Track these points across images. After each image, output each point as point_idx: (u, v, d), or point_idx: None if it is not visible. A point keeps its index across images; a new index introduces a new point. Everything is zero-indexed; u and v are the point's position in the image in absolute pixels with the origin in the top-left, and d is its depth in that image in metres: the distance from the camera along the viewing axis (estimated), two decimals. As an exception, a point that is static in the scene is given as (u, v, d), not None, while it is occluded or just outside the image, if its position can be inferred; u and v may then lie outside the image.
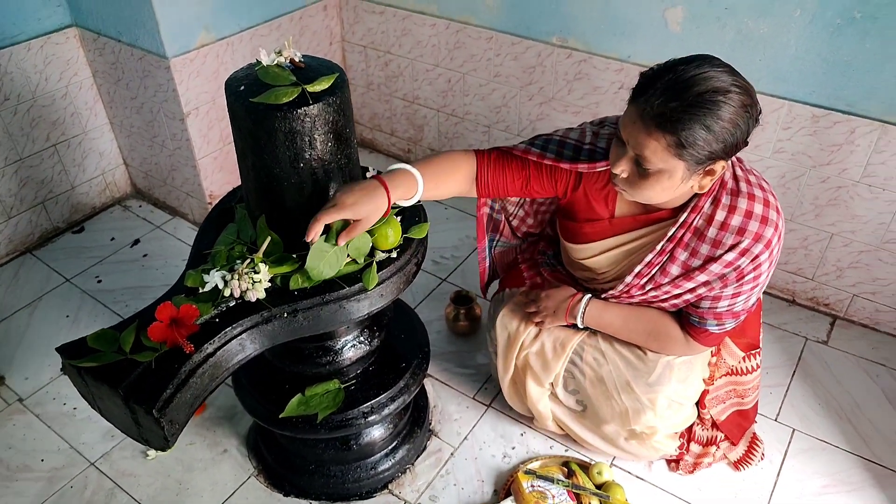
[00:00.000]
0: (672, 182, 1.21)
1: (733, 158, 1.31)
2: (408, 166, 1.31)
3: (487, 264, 1.78)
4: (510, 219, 1.73)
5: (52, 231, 2.62)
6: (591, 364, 1.61)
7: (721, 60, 1.16)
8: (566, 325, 1.63)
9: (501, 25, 2.35)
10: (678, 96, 1.11)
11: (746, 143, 1.19)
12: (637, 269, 1.42)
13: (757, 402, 1.73)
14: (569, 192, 1.45)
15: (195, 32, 2.19)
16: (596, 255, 1.50)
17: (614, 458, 1.77)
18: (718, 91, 1.10)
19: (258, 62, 1.21)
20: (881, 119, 1.81)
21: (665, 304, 1.47)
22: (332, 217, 1.16)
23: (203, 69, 2.27)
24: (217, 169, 2.48)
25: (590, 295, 1.55)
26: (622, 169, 1.23)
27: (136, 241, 2.60)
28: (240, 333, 1.20)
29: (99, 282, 2.41)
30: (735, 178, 1.32)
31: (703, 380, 1.59)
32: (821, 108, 1.88)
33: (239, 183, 2.53)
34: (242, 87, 1.17)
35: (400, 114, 2.89)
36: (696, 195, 1.32)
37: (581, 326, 1.56)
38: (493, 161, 1.44)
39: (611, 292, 1.51)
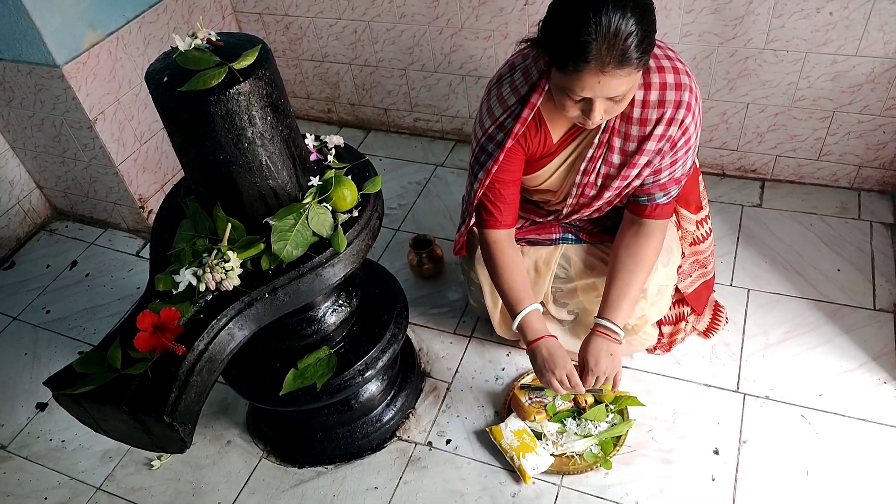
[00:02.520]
0: (636, 86, 1.27)
1: None
2: (530, 308, 1.54)
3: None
4: None
5: (-18, 273, 2.49)
6: (579, 267, 1.68)
7: None
8: (544, 241, 1.70)
9: (395, -37, 2.31)
10: (621, 39, 1.14)
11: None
12: (582, 167, 1.48)
13: (714, 268, 1.86)
14: (525, 153, 1.50)
15: (81, 33, 2.07)
16: (548, 177, 1.55)
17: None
18: (634, 9, 1.13)
19: (175, 49, 1.17)
20: (773, -16, 1.91)
21: (619, 199, 1.54)
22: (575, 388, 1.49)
23: (99, 70, 2.15)
24: (140, 170, 2.39)
25: (604, 321, 1.53)
26: (600, 116, 1.27)
27: (74, 263, 2.50)
28: (226, 324, 1.20)
29: (48, 312, 2.32)
30: None
31: (681, 254, 1.69)
32: (717, -15, 1.96)
33: (167, 179, 2.50)
34: (166, 79, 1.14)
35: (312, 75, 2.82)
36: None
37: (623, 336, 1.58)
38: (494, 210, 1.54)
39: (569, 202, 1.56)
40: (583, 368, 1.54)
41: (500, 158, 1.45)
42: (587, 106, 1.26)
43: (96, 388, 1.12)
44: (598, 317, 1.54)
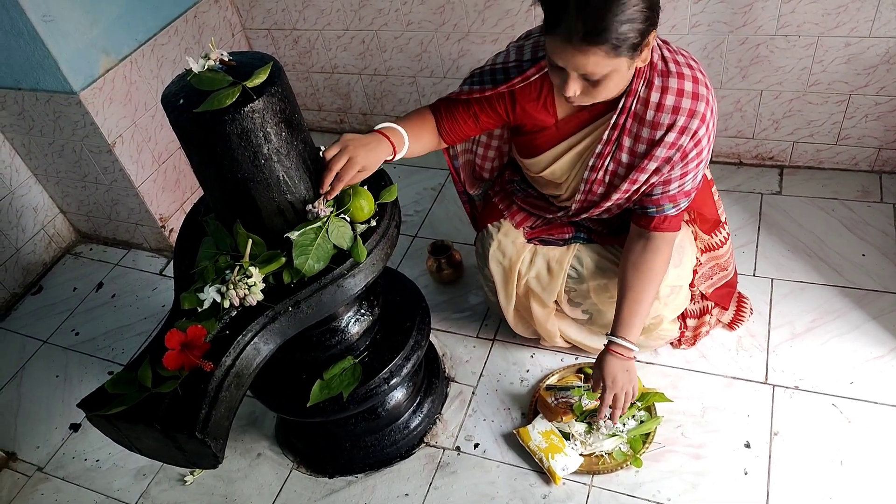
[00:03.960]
0: (621, 74, 1.26)
1: (659, 41, 1.36)
2: (394, 124, 1.44)
3: (468, 203, 1.87)
4: (474, 160, 1.77)
5: (11, 299, 2.54)
6: (591, 268, 1.68)
7: None
8: (558, 241, 1.70)
9: (400, -28, 2.33)
10: (594, 9, 1.13)
11: (659, 6, 1.24)
12: (591, 163, 1.47)
13: (735, 267, 1.84)
14: (510, 113, 1.50)
15: (96, 59, 2.11)
16: (550, 163, 1.54)
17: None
18: None
19: (189, 71, 1.19)
20: (781, -30, 1.89)
21: (625, 202, 1.53)
22: (347, 171, 1.30)
23: (115, 94, 2.19)
24: (160, 190, 2.43)
25: (616, 339, 1.54)
26: (573, 90, 1.27)
27: (100, 285, 2.54)
28: (252, 338, 1.22)
29: (77, 335, 2.37)
30: (664, 59, 1.37)
31: (696, 256, 1.68)
32: (724, -25, 1.95)
33: (186, 198, 2.53)
34: (182, 101, 1.16)
35: (322, 87, 2.84)
36: (630, 82, 1.37)
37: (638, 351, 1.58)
38: (444, 111, 1.52)
39: (577, 198, 1.56)
40: (597, 385, 1.57)
41: (486, 93, 1.45)
42: (564, 76, 1.26)
43: (128, 407, 1.14)
44: (610, 334, 1.55)
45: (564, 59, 1.21)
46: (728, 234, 1.74)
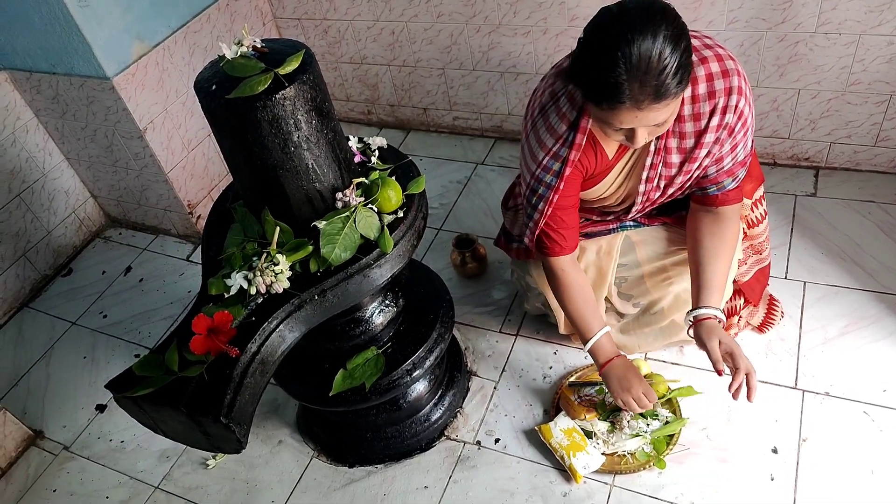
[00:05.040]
0: (678, 105, 1.25)
1: None
2: (603, 331, 1.56)
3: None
4: None
5: (42, 280, 2.58)
6: (644, 252, 1.66)
7: (622, 8, 1.14)
8: (602, 232, 1.68)
9: (432, -37, 2.31)
10: (654, 75, 1.11)
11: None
12: (644, 175, 1.46)
13: (770, 255, 1.79)
14: (582, 177, 1.48)
15: (129, 45, 2.13)
16: (606, 189, 1.53)
17: (646, 353, 1.85)
18: (665, 40, 1.10)
19: (222, 58, 1.19)
20: (824, -35, 1.84)
21: (682, 193, 1.50)
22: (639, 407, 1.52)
23: (147, 81, 2.21)
24: (188, 177, 2.45)
25: (705, 310, 1.47)
26: (643, 139, 1.25)
27: (129, 269, 2.58)
28: (277, 326, 1.22)
29: (105, 317, 2.40)
30: None
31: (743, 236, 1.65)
32: (764, -31, 1.90)
33: (214, 185, 2.55)
34: (214, 87, 1.16)
35: (351, 77, 2.84)
36: None
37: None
38: (556, 238, 1.52)
39: (635, 209, 1.54)
40: (718, 358, 1.44)
41: (561, 187, 1.43)
42: (629, 133, 1.24)
43: (155, 390, 1.15)
44: (698, 307, 1.47)
45: (633, 122, 1.19)
46: (766, 212, 1.70)
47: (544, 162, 1.41)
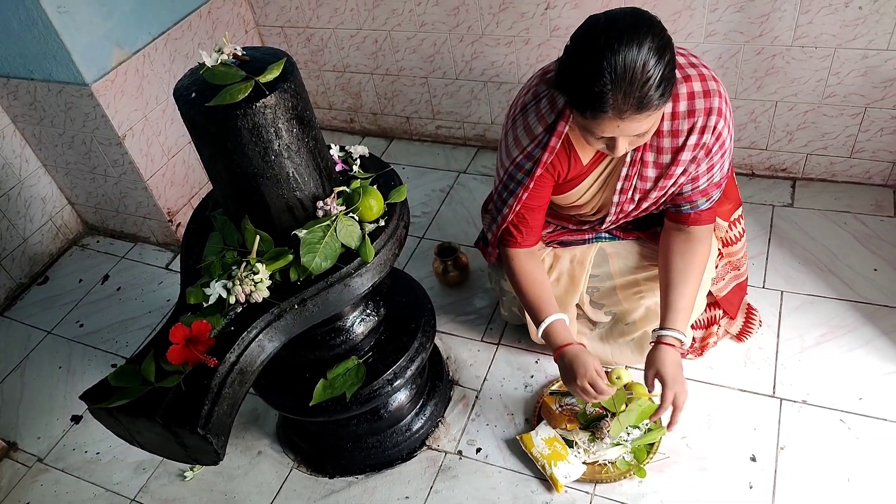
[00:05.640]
0: (660, 116, 1.26)
1: None
2: (554, 316, 1.51)
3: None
4: None
5: (17, 288, 2.54)
6: (617, 265, 1.66)
7: (609, 17, 1.15)
8: (577, 241, 1.68)
9: (415, -28, 2.32)
10: (638, 86, 1.12)
11: None
12: (619, 186, 1.47)
13: (748, 270, 1.82)
14: (553, 181, 1.49)
15: (109, 52, 2.11)
16: (580, 196, 1.54)
17: (626, 365, 1.86)
18: (650, 51, 1.11)
19: (202, 65, 1.18)
20: (800, -20, 1.87)
21: (657, 208, 1.52)
22: (600, 396, 1.44)
23: (126, 87, 2.19)
24: (168, 185, 2.43)
25: (668, 332, 1.48)
26: (623, 148, 1.26)
27: (106, 277, 2.54)
28: (256, 335, 1.21)
29: (81, 326, 2.37)
30: None
31: (717, 254, 1.66)
32: (742, -17, 1.93)
33: (194, 193, 2.53)
34: (194, 94, 1.15)
35: (334, 86, 2.84)
36: None
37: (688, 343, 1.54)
38: (518, 234, 1.55)
39: (608, 220, 1.55)
40: (652, 385, 1.48)
41: (531, 186, 1.45)
42: (610, 142, 1.25)
43: (131, 401, 1.14)
44: (661, 328, 1.49)
45: (617, 131, 1.20)
46: (743, 230, 1.72)
47: (518, 160, 1.43)
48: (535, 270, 1.58)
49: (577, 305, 1.74)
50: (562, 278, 1.71)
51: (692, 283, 1.49)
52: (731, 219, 1.67)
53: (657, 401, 1.72)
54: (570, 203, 1.56)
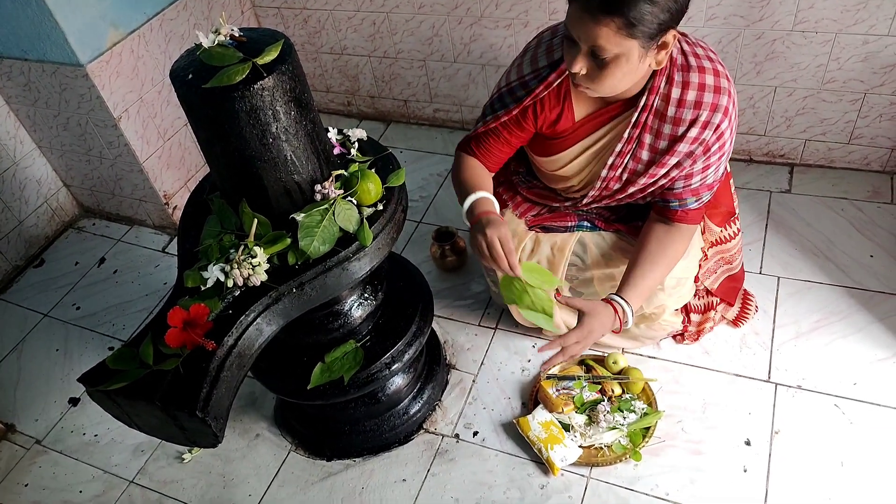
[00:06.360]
0: (630, 65, 1.24)
1: (678, 35, 1.34)
2: (481, 193, 1.43)
3: None
4: None
5: (13, 271, 2.53)
6: (595, 256, 1.67)
7: None
8: (560, 229, 1.68)
9: (413, -47, 2.29)
10: None
11: (686, 8, 1.22)
12: (610, 161, 1.46)
13: (742, 262, 1.83)
14: (535, 125, 1.48)
15: (103, 32, 2.08)
16: (568, 162, 1.53)
17: (623, 348, 1.86)
18: None
19: (198, 46, 1.17)
20: (802, -36, 1.86)
21: (642, 196, 1.51)
22: (508, 249, 1.32)
23: (122, 68, 2.16)
24: (164, 167, 2.41)
25: (619, 299, 1.47)
26: (580, 66, 1.25)
27: (102, 260, 2.53)
28: (255, 319, 1.21)
29: (77, 309, 2.36)
30: (683, 53, 1.35)
31: (701, 249, 1.67)
32: (743, -33, 1.91)
33: (191, 175, 2.51)
34: (190, 76, 1.14)
35: (331, 68, 2.82)
36: (650, 78, 1.35)
37: (632, 323, 1.51)
38: (476, 150, 1.54)
39: (591, 194, 1.55)
40: (569, 320, 1.50)
41: (514, 112, 1.45)
42: (575, 51, 1.25)
43: (129, 384, 1.13)
44: (615, 294, 1.48)
45: (578, 27, 1.20)
46: (739, 229, 1.73)
47: (514, 84, 1.45)
48: (482, 169, 1.53)
49: (558, 290, 1.74)
50: (542, 263, 1.71)
51: (658, 270, 1.49)
52: (724, 224, 1.68)
53: (654, 389, 1.74)
54: (556, 168, 1.55)
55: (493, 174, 1.58)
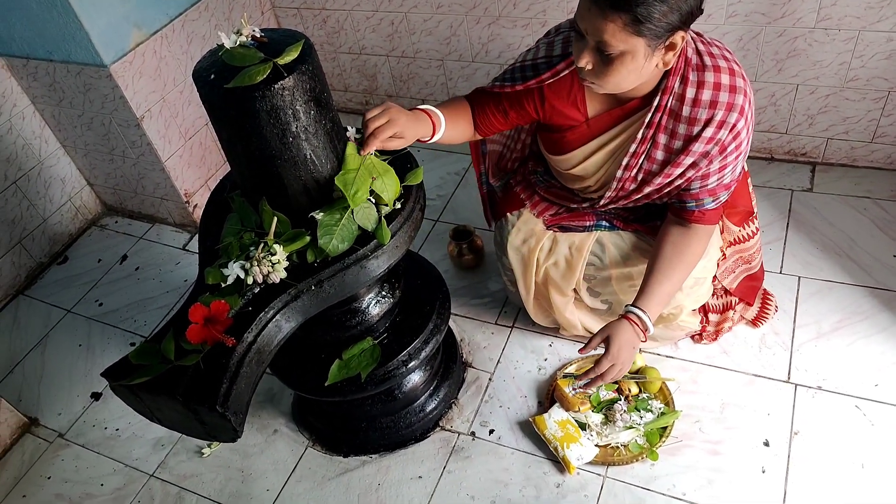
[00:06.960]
0: (636, 63, 1.23)
1: (693, 33, 1.33)
2: (433, 107, 1.43)
3: (486, 190, 1.82)
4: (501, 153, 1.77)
5: (37, 268, 2.58)
6: (614, 256, 1.66)
7: None
8: (578, 228, 1.68)
9: (432, -47, 2.30)
10: None
11: (701, 11, 1.22)
12: (625, 162, 1.46)
13: (762, 262, 1.81)
14: (539, 110, 1.48)
15: (127, 33, 2.11)
16: (581, 161, 1.53)
17: (640, 348, 1.85)
18: None
19: (220, 46, 1.18)
20: (824, -40, 1.84)
21: (659, 196, 1.51)
22: (384, 131, 1.27)
23: (144, 69, 2.20)
24: (185, 166, 2.44)
25: (637, 311, 1.47)
26: (586, 61, 1.26)
27: (125, 257, 2.58)
28: (274, 315, 1.22)
29: (100, 305, 2.40)
30: (698, 52, 1.34)
31: (720, 248, 1.66)
32: (764, -36, 1.90)
33: (211, 174, 2.54)
34: (212, 76, 1.15)
35: (349, 68, 2.84)
36: (664, 78, 1.34)
37: (653, 331, 1.51)
38: (476, 103, 1.52)
39: (608, 195, 1.54)
40: (593, 345, 1.49)
41: (518, 88, 1.45)
42: (582, 45, 1.25)
43: (151, 379, 1.15)
44: (632, 305, 1.49)
45: (586, 21, 1.21)
46: (758, 228, 1.71)
47: (526, 63, 1.45)
48: (462, 107, 1.53)
49: (575, 290, 1.74)
50: (560, 263, 1.71)
51: (676, 275, 1.49)
52: (743, 224, 1.67)
53: (672, 389, 1.73)
54: (571, 167, 1.55)
55: (481, 136, 1.59)
